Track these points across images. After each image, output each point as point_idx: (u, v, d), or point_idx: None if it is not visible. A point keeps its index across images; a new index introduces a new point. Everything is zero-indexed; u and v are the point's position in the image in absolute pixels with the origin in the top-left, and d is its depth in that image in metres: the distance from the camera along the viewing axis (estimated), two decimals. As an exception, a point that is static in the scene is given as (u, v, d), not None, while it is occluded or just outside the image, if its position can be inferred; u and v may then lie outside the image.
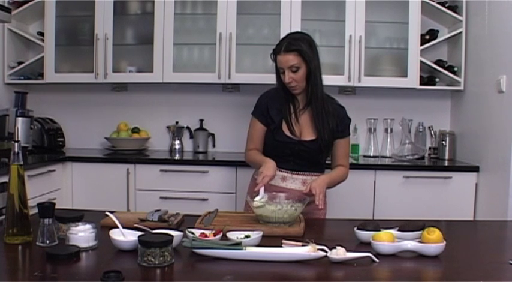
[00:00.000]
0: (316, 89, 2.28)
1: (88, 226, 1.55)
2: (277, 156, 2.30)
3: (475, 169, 3.27)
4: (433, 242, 1.51)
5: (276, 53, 2.28)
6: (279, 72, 2.30)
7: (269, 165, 2.18)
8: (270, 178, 2.14)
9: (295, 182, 2.32)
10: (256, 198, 1.96)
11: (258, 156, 2.33)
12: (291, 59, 2.23)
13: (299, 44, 2.24)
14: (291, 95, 2.33)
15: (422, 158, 3.64)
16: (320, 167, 2.40)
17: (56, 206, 1.61)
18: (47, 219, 1.55)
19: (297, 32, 2.51)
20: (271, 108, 2.34)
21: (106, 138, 3.85)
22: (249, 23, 3.63)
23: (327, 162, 2.43)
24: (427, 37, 3.61)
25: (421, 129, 3.77)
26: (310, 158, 2.33)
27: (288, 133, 2.30)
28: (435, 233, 1.53)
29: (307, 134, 2.31)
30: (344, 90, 3.78)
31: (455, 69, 3.58)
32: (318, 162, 2.37)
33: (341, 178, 2.36)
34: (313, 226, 1.92)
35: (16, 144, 1.57)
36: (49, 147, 3.67)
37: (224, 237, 1.61)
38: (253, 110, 2.42)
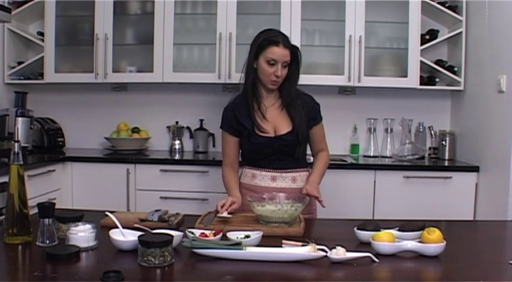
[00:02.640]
0: (294, 89, 2.33)
1: (88, 226, 1.55)
2: (260, 158, 2.32)
3: (475, 169, 3.27)
4: (433, 242, 1.51)
5: (270, 43, 2.24)
6: (252, 63, 2.29)
7: (232, 199, 2.15)
8: (233, 207, 2.12)
9: (285, 180, 2.32)
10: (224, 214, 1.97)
11: (230, 184, 2.34)
12: (287, 54, 2.24)
13: (295, 47, 2.30)
14: (256, 92, 2.32)
15: (422, 158, 3.64)
16: (305, 162, 2.41)
17: (56, 206, 1.61)
18: (47, 219, 1.55)
19: (277, 31, 2.44)
20: (240, 116, 2.32)
21: (106, 138, 3.85)
22: (249, 23, 3.63)
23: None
24: (427, 37, 3.61)
25: (421, 129, 3.77)
26: (292, 151, 2.30)
27: (262, 133, 2.28)
28: (435, 233, 1.53)
29: (282, 127, 2.30)
30: (344, 90, 3.79)
31: (455, 69, 3.58)
32: (302, 155, 2.36)
33: (326, 167, 2.39)
34: (313, 226, 1.92)
35: (16, 144, 1.57)
36: (49, 147, 3.67)
37: (224, 237, 1.61)
38: (221, 124, 2.43)
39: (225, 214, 1.93)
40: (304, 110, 2.32)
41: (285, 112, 2.33)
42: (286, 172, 2.32)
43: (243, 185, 2.38)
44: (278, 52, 2.23)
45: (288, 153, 2.31)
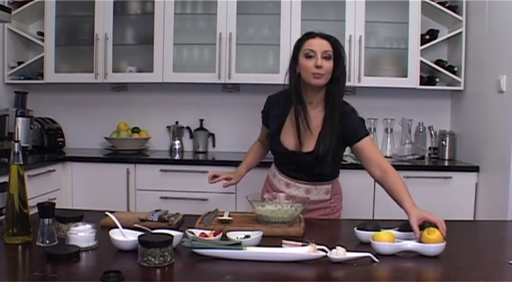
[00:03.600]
0: (338, 96, 2.12)
1: (88, 226, 1.54)
2: (279, 163, 2.30)
3: (475, 169, 3.27)
4: (433, 242, 1.51)
5: (306, 38, 2.10)
6: (297, 63, 2.11)
7: (228, 175, 2.25)
8: (230, 182, 2.22)
9: (298, 190, 2.23)
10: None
11: (246, 156, 2.38)
12: (325, 44, 2.07)
13: (335, 38, 2.13)
14: (300, 95, 2.12)
15: (422, 158, 3.64)
16: (325, 177, 2.25)
17: (56, 206, 1.61)
18: (47, 219, 1.55)
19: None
20: (272, 113, 2.24)
21: (106, 138, 3.85)
22: (249, 23, 3.63)
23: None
24: (427, 37, 3.61)
25: (421, 129, 3.77)
26: (309, 169, 2.16)
27: (284, 143, 2.18)
28: (435, 233, 1.53)
29: (308, 145, 2.13)
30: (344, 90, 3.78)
31: (455, 69, 3.58)
32: (320, 173, 2.17)
33: (405, 186, 1.95)
34: (313, 226, 1.92)
35: (16, 144, 1.57)
36: (49, 147, 3.67)
37: (224, 237, 1.61)
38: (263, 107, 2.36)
39: (225, 216, 1.93)
40: (338, 128, 2.09)
41: (319, 125, 2.13)
42: (301, 183, 2.23)
43: (268, 178, 2.39)
44: (315, 43, 2.07)
45: (305, 170, 2.18)
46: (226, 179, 2.36)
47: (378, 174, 2.03)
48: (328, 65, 2.07)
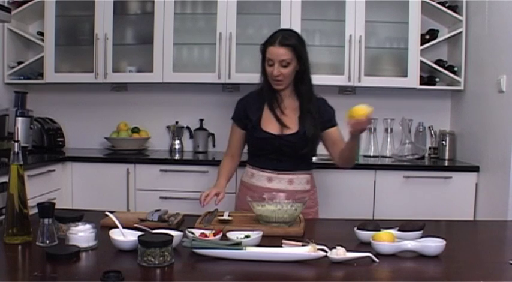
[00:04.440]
0: (310, 90, 2.32)
1: (88, 226, 1.54)
2: (260, 155, 2.34)
3: (475, 169, 3.27)
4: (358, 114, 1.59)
5: (268, 44, 2.26)
6: (265, 64, 2.29)
7: (217, 188, 2.25)
8: (219, 198, 2.21)
9: (281, 182, 2.32)
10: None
11: (221, 171, 2.40)
12: (283, 53, 2.22)
13: (293, 40, 2.26)
14: (272, 91, 2.32)
15: (422, 158, 3.64)
16: (306, 165, 2.39)
17: (56, 206, 1.61)
18: (47, 219, 1.55)
19: (288, 29, 2.49)
20: (249, 109, 2.35)
21: (106, 138, 3.85)
22: (249, 23, 3.63)
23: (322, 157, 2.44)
24: (427, 37, 3.61)
25: (421, 129, 3.77)
26: (293, 153, 2.30)
27: (267, 129, 2.30)
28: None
29: (289, 128, 2.30)
30: (344, 90, 3.78)
31: (456, 69, 3.58)
32: (303, 158, 2.34)
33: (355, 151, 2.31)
34: (313, 226, 1.92)
35: (16, 144, 1.57)
36: (49, 147, 3.67)
37: (224, 237, 1.60)
38: (232, 114, 2.44)
39: (225, 216, 1.93)
40: (317, 113, 2.30)
41: (297, 115, 2.32)
42: (283, 174, 2.32)
43: (243, 182, 2.43)
44: (273, 51, 2.23)
45: (289, 154, 2.30)
46: (216, 195, 2.27)
47: (337, 153, 2.31)
48: (286, 71, 2.24)
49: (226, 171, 2.40)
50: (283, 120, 2.30)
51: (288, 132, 2.28)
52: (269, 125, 2.30)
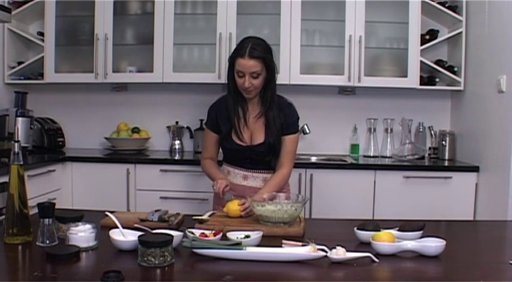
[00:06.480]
0: (273, 96, 2.34)
1: (88, 226, 1.55)
2: (234, 159, 2.42)
3: (475, 169, 3.27)
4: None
5: (237, 56, 2.26)
6: (232, 73, 2.30)
7: (221, 181, 2.24)
8: (226, 186, 2.23)
9: (256, 180, 2.40)
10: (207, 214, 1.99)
11: (212, 170, 2.41)
12: (254, 65, 2.23)
13: (262, 51, 2.27)
14: (241, 99, 2.35)
15: (422, 158, 3.64)
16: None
17: (56, 206, 1.61)
18: (47, 219, 1.55)
19: (256, 37, 2.41)
20: (220, 118, 2.39)
21: (106, 138, 3.85)
22: (249, 23, 3.63)
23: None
24: (427, 37, 3.61)
25: (421, 129, 3.77)
26: (262, 160, 2.37)
27: (236, 140, 2.35)
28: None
29: (258, 137, 2.35)
30: (344, 90, 3.79)
31: (455, 69, 3.58)
32: (270, 161, 2.37)
33: (277, 189, 2.26)
34: (313, 226, 1.92)
35: (16, 144, 1.57)
36: (49, 147, 3.67)
37: (224, 237, 1.61)
38: (205, 120, 2.49)
39: (205, 216, 1.94)
40: (281, 120, 2.34)
41: (262, 121, 2.36)
42: (258, 172, 2.40)
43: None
44: (243, 64, 2.24)
45: (259, 161, 2.38)
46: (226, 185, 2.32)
47: (277, 166, 2.36)
48: (257, 82, 2.27)
49: (215, 168, 2.43)
50: (252, 131, 2.36)
51: (255, 142, 2.35)
52: (241, 135, 2.34)
